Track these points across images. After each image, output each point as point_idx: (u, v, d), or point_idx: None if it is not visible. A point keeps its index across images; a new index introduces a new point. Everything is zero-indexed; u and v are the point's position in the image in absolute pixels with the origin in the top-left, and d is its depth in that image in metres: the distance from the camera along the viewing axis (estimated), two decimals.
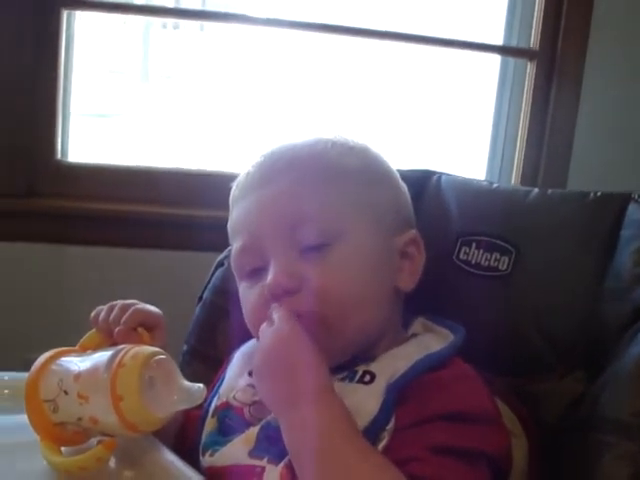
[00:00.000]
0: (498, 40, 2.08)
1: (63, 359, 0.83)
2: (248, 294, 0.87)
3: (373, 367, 0.81)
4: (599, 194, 0.97)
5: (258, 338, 0.83)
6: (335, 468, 0.71)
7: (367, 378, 0.80)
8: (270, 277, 0.82)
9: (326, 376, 0.76)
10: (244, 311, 0.89)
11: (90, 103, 1.94)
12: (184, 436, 0.92)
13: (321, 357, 0.77)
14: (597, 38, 2.02)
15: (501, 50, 2.10)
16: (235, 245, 0.89)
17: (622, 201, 0.95)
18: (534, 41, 2.05)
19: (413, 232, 0.91)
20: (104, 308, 0.90)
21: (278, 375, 0.77)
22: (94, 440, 0.81)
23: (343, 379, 0.81)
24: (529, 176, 2.04)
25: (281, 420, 0.76)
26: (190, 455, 0.85)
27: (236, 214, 0.90)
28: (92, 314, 0.90)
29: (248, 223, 0.87)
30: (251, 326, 0.87)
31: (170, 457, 0.81)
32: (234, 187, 0.92)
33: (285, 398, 0.76)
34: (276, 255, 0.83)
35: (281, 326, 0.78)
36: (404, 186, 0.95)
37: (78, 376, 0.78)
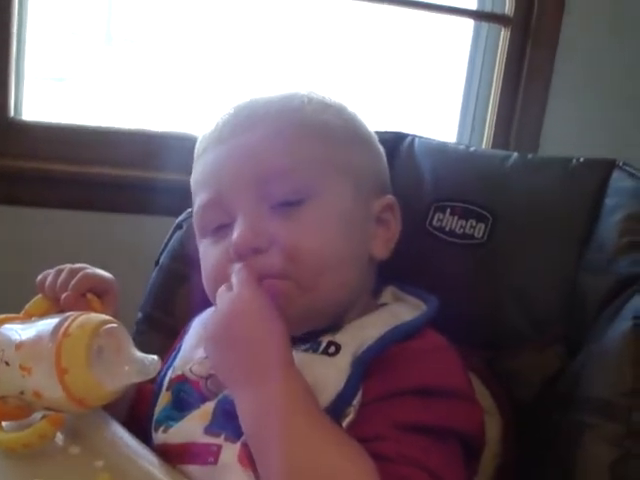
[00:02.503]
0: (472, 4, 2.03)
1: (5, 327, 0.78)
2: (210, 252, 0.82)
3: (338, 337, 0.76)
4: (582, 160, 0.93)
5: (215, 301, 0.77)
6: (297, 448, 0.66)
7: (332, 349, 0.75)
8: (236, 234, 0.76)
9: (288, 349, 0.71)
10: (203, 272, 0.83)
11: (50, 65, 1.86)
12: (136, 411, 0.87)
13: (284, 327, 0.71)
14: (573, 6, 1.98)
15: (475, 15, 2.05)
16: (199, 200, 0.83)
17: (606, 168, 0.91)
18: (509, 7, 2.00)
19: (390, 197, 0.86)
20: (51, 272, 0.84)
21: (235, 346, 0.72)
22: (38, 414, 0.76)
23: (306, 350, 0.76)
24: (500, 140, 2.01)
25: (236, 396, 0.71)
26: (142, 432, 0.80)
27: (202, 166, 0.84)
28: (38, 278, 0.84)
29: (215, 176, 0.81)
30: (210, 289, 0.81)
31: (120, 433, 0.77)
32: (200, 139, 0.86)
33: (242, 372, 0.70)
34: (244, 211, 0.77)
35: (241, 291, 0.73)
36: (382, 149, 0.90)
37: (20, 345, 0.73)
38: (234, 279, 0.74)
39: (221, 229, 0.80)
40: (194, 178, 0.86)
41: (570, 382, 0.81)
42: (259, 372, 0.69)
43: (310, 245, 0.76)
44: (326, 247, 0.77)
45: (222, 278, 0.76)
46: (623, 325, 0.78)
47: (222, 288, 0.75)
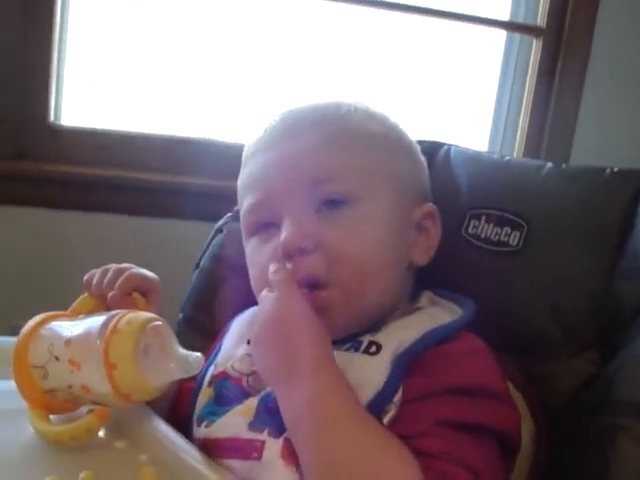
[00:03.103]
0: (505, 15, 2.04)
1: (54, 323, 0.80)
2: (257, 252, 0.84)
3: (379, 337, 0.78)
4: (616, 170, 0.93)
5: None
6: (335, 443, 0.68)
7: (373, 349, 0.77)
8: (284, 235, 0.78)
9: (327, 347, 0.73)
10: (251, 271, 0.86)
11: (86, 72, 1.89)
12: (177, 408, 0.89)
13: (323, 327, 0.73)
14: (605, 16, 1.98)
15: (507, 26, 2.06)
16: (247, 200, 0.85)
17: None
18: (541, 18, 2.01)
19: (431, 205, 0.89)
20: (98, 272, 0.87)
21: (277, 346, 0.73)
22: (84, 409, 0.78)
23: (347, 349, 0.78)
24: (531, 150, 2.02)
25: (278, 393, 0.73)
26: (182, 429, 0.81)
27: (250, 169, 0.86)
28: (85, 277, 0.87)
29: (264, 178, 0.84)
30: (257, 287, 0.84)
31: (164, 428, 0.79)
32: (248, 144, 0.89)
33: (283, 371, 0.72)
34: (292, 212, 0.80)
35: (282, 293, 0.75)
36: (423, 158, 0.92)
37: (69, 341, 0.75)
38: (272, 278, 0.76)
39: (268, 230, 0.83)
40: (242, 181, 0.88)
41: (604, 386, 0.82)
42: (300, 371, 0.71)
43: (355, 250, 0.78)
44: (370, 252, 0.79)
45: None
46: None
47: (265, 291, 0.77)
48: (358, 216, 0.80)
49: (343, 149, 0.83)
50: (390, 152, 0.86)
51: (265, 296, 0.76)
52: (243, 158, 0.89)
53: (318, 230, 0.78)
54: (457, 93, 2.07)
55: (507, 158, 1.03)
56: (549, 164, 0.98)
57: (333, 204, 0.80)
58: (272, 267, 0.77)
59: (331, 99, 0.89)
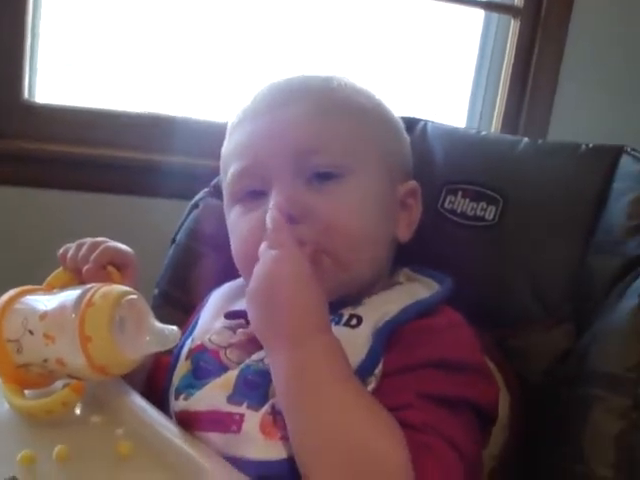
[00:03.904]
0: None
1: (28, 297, 0.79)
2: (241, 220, 0.83)
3: (360, 310, 0.78)
4: (591, 146, 0.95)
5: (246, 269, 0.79)
6: (331, 410, 0.67)
7: (354, 321, 0.77)
8: (273, 202, 0.77)
9: (325, 313, 0.72)
10: (233, 240, 0.85)
11: (64, 51, 1.87)
12: (153, 382, 0.89)
13: (322, 292, 0.72)
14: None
15: (485, 5, 2.06)
16: (234, 167, 0.84)
17: (614, 153, 0.93)
18: None
19: (413, 183, 0.89)
20: (72, 245, 0.86)
21: (279, 305, 0.71)
22: (59, 383, 0.78)
23: None
24: (508, 128, 2.02)
25: (273, 354, 0.72)
26: (158, 403, 0.81)
27: (238, 137, 0.86)
28: (60, 251, 0.86)
29: (253, 145, 0.83)
30: (241, 256, 0.83)
31: (140, 402, 0.78)
32: (235, 114, 0.88)
33: (283, 331, 0.70)
34: (281, 180, 0.79)
35: (287, 252, 0.72)
36: (407, 135, 0.93)
37: (44, 315, 0.74)
38: (274, 237, 0.74)
39: (255, 199, 0.82)
40: (227, 149, 0.88)
41: (578, 359, 0.83)
42: (301, 333, 0.69)
43: (345, 220, 0.78)
44: (361, 223, 0.80)
45: (255, 246, 0.76)
46: (629, 303, 0.80)
47: (263, 246, 0.74)
48: (348, 188, 0.80)
49: (333, 120, 0.82)
50: (378, 127, 0.87)
51: (266, 251, 0.74)
52: (229, 127, 0.89)
53: (308, 199, 0.78)
54: (436, 71, 2.06)
55: (483, 133, 1.05)
56: (525, 139, 0.99)
57: (323, 176, 0.80)
58: (270, 223, 0.74)
59: (320, 72, 0.89)
